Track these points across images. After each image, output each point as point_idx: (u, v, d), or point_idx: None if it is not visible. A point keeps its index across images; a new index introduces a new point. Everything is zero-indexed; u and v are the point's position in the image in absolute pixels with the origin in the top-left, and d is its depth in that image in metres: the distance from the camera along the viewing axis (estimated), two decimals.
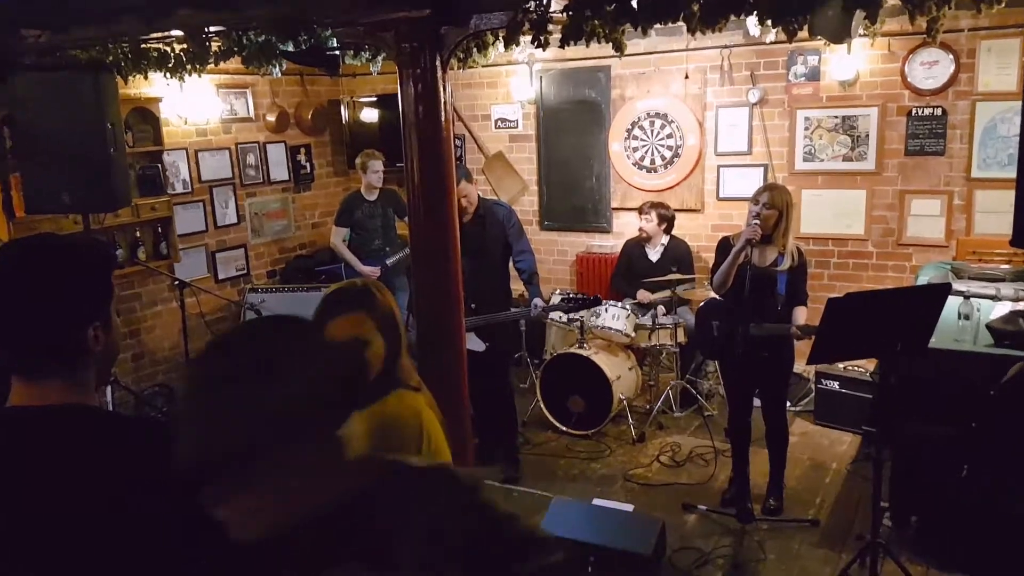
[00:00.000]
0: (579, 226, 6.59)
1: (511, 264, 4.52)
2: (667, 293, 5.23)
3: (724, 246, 3.95)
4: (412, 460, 1.05)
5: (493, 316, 4.33)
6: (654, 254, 5.64)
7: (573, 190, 6.54)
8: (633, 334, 5.17)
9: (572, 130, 6.41)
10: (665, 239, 5.64)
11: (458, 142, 6.94)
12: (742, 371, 3.87)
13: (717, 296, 4.07)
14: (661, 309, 5.44)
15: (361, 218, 5.70)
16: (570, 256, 6.71)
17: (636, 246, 5.72)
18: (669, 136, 5.97)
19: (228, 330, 1.06)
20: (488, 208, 4.41)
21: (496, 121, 6.70)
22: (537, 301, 4.39)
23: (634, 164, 6.18)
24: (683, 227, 6.01)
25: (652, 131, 6.04)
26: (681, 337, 5.14)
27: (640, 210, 5.66)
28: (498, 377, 4.45)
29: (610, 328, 5.15)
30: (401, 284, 5.75)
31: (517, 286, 5.08)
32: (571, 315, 5.22)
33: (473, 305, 4.30)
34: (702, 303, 4.35)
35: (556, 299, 5.29)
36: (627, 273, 5.76)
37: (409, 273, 5.12)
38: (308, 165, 6.96)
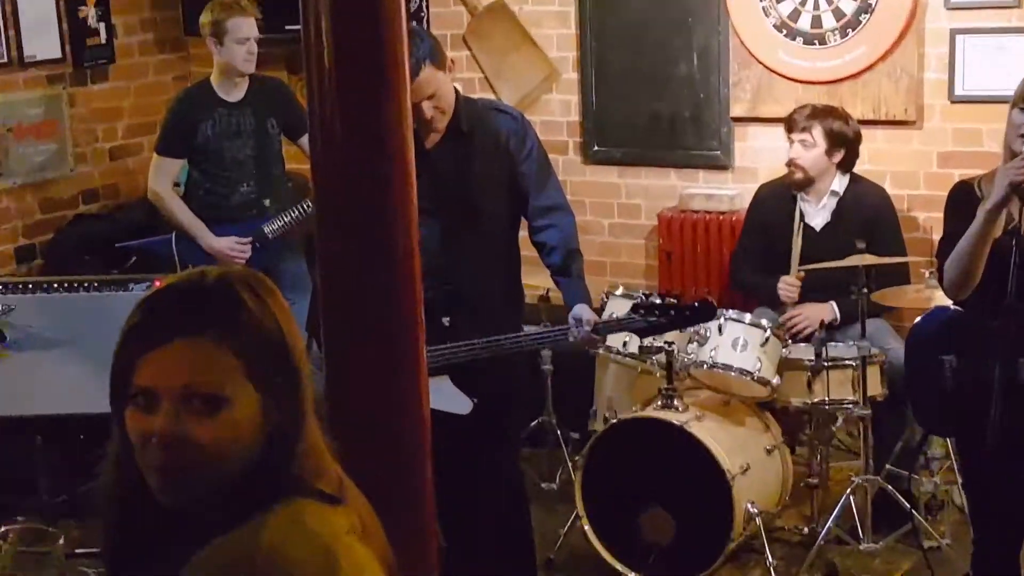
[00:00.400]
0: (663, 155, 6.67)
1: (526, 234, 4.57)
2: (845, 296, 5.26)
3: (963, 200, 4.01)
4: None
5: (488, 344, 4.37)
6: (818, 213, 5.70)
7: (650, 81, 6.60)
8: (775, 379, 5.19)
9: None
10: (841, 182, 5.69)
11: None
12: (1006, 460, 3.87)
13: (951, 304, 4.14)
14: (830, 315, 5.52)
15: (212, 139, 5.79)
16: (644, 218, 6.77)
17: (781, 196, 5.78)
18: None
19: None
20: (477, 118, 4.47)
21: None
22: (582, 312, 4.39)
23: (778, 26, 6.23)
24: (879, 158, 6.05)
25: None
26: (876, 387, 5.21)
27: (790, 122, 5.70)
28: (496, 468, 4.57)
29: (729, 367, 5.17)
30: (294, 275, 5.82)
31: (536, 280, 5.05)
32: (649, 339, 5.17)
33: (446, 320, 4.37)
34: (919, 318, 4.41)
35: (616, 306, 5.25)
36: (763, 252, 5.80)
37: (311, 253, 5.07)
38: (101, 27, 7.02)
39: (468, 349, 4.33)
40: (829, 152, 5.58)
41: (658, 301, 4.34)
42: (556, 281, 4.52)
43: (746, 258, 5.91)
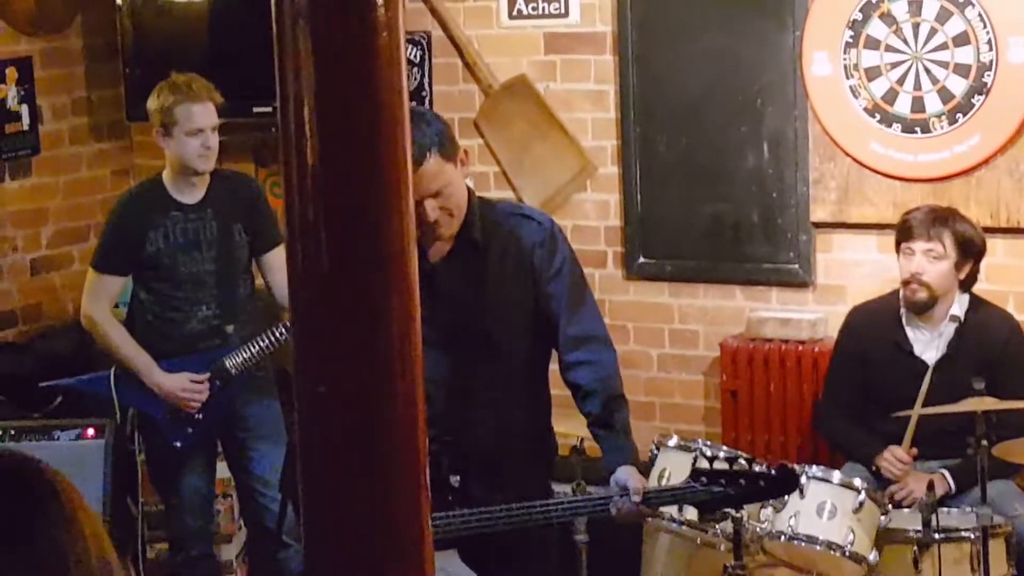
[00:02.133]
0: (726, 270, 6.69)
1: (556, 369, 4.57)
2: (960, 449, 5.20)
3: None
4: None
5: (508, 513, 4.32)
6: (932, 343, 5.69)
7: (709, 177, 6.64)
8: (871, 555, 5.13)
9: (704, 25, 6.55)
10: (961, 305, 5.70)
11: (416, 52, 7.05)
12: None
13: None
14: (942, 488, 5.47)
15: (165, 251, 5.78)
16: (703, 348, 6.77)
17: (883, 322, 5.79)
18: (959, 41, 6.05)
19: None
20: (495, 225, 4.50)
21: (516, 4, 6.84)
22: (627, 477, 4.36)
23: (870, 111, 6.26)
24: (999, 276, 6.05)
25: (914, 30, 6.13)
26: (1001, 565, 5.18)
27: (907, 228, 5.65)
28: None
29: (813, 539, 5.12)
30: (263, 420, 5.83)
31: (567, 426, 5.02)
32: (716, 511, 5.13)
33: (455, 480, 4.34)
34: None
35: (669, 461, 5.20)
36: (859, 394, 5.80)
37: (287, 393, 5.02)
38: (24, 109, 7.08)
39: (482, 518, 4.29)
40: (958, 265, 5.58)
41: (724, 466, 4.29)
42: (594, 434, 4.50)
43: (836, 402, 5.88)
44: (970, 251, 5.59)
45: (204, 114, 5.65)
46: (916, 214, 5.66)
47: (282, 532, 5.25)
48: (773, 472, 4.27)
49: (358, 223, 2.78)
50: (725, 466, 4.27)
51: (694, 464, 4.41)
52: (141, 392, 5.70)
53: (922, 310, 5.63)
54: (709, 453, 4.91)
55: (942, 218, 5.59)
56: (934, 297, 5.59)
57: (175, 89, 5.66)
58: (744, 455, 4.42)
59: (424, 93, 7.04)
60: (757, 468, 4.31)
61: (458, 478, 4.32)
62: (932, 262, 5.54)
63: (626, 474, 4.32)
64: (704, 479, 4.25)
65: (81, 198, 7.30)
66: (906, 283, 5.62)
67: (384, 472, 2.81)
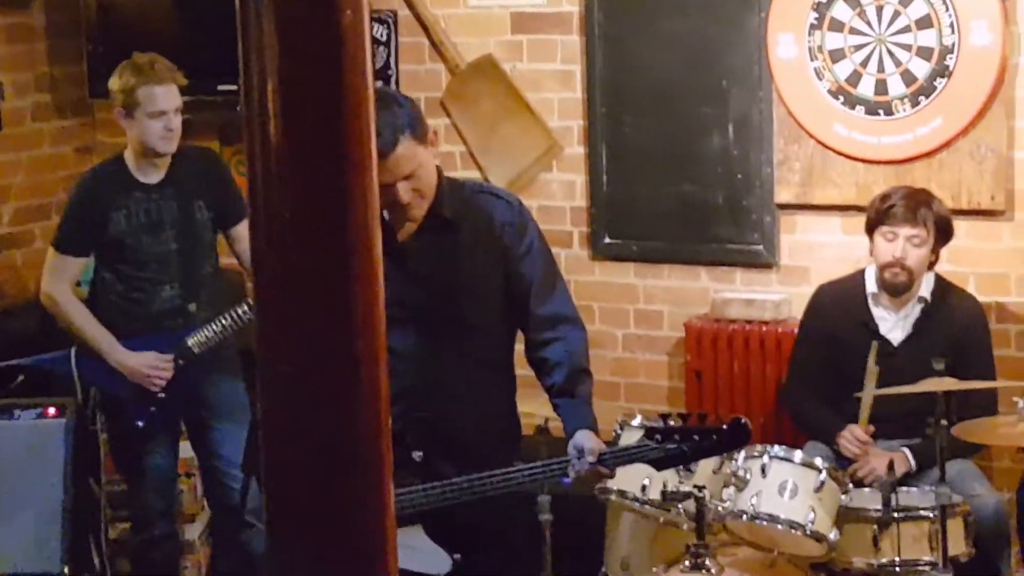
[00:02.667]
0: (691, 250, 6.73)
1: (523, 348, 4.58)
2: (920, 429, 5.23)
3: None
4: None
5: (470, 483, 4.36)
6: (899, 324, 5.76)
7: (674, 158, 6.67)
8: (832, 534, 5.16)
9: (671, 6, 6.58)
10: (928, 285, 5.74)
11: (383, 31, 7.07)
12: None
13: None
14: (903, 467, 5.51)
15: (127, 231, 5.78)
16: (668, 328, 6.80)
17: (850, 302, 5.83)
18: (922, 24, 6.08)
19: None
20: (464, 204, 4.51)
21: None
22: (584, 440, 4.39)
23: (834, 93, 6.29)
24: (961, 257, 6.09)
25: (877, 12, 6.17)
26: (959, 544, 5.19)
27: (888, 213, 5.62)
28: None
29: (775, 518, 5.15)
30: (227, 400, 5.84)
31: (533, 406, 5.07)
32: (675, 484, 5.15)
33: (418, 455, 4.37)
34: None
35: (632, 438, 5.21)
36: (825, 373, 5.84)
37: (250, 372, 5.03)
38: None
39: (445, 491, 4.32)
40: (935, 247, 5.64)
41: (678, 425, 4.33)
42: (555, 405, 4.51)
43: (801, 380, 5.92)
44: (947, 233, 5.64)
45: (167, 96, 5.62)
46: (897, 199, 5.65)
47: (245, 511, 5.25)
48: (725, 426, 4.31)
49: (322, 202, 2.78)
50: (678, 422, 4.32)
51: (648, 428, 4.43)
52: (103, 371, 5.69)
53: (900, 292, 5.66)
54: (667, 423, 4.96)
55: (925, 202, 5.61)
56: (912, 280, 5.62)
57: (137, 70, 5.63)
58: (697, 414, 4.44)
59: (390, 72, 7.03)
60: (710, 425, 4.34)
61: (420, 454, 4.35)
62: (916, 247, 5.57)
63: (584, 437, 4.34)
64: (659, 436, 4.30)
65: (43, 175, 7.27)
66: (887, 266, 5.63)
67: (347, 450, 2.81)
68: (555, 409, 4.53)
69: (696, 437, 4.29)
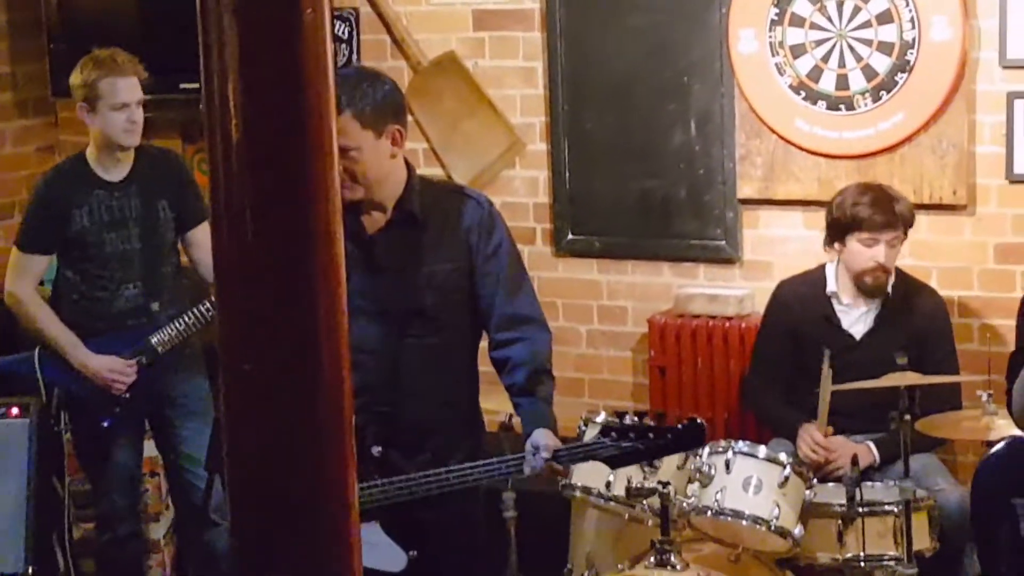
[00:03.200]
0: (654, 246, 6.73)
1: (486, 346, 4.58)
2: (883, 423, 5.25)
3: None
4: None
5: (427, 479, 4.35)
6: (860, 318, 5.77)
7: (637, 153, 6.67)
8: (796, 529, 5.17)
9: (632, 2, 6.58)
10: (888, 279, 5.75)
11: (345, 28, 7.07)
12: None
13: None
14: (867, 459, 5.52)
15: (89, 229, 5.76)
16: (632, 324, 6.81)
17: (811, 298, 5.84)
18: (883, 19, 6.10)
19: None
20: (434, 202, 4.51)
21: None
22: (540, 438, 4.40)
23: (795, 88, 6.30)
24: (923, 252, 6.11)
25: (838, 7, 6.18)
26: (924, 539, 5.20)
27: (865, 219, 5.61)
28: None
29: (739, 514, 5.15)
30: (191, 398, 5.83)
31: (496, 403, 5.08)
32: (639, 480, 5.15)
33: (376, 450, 4.37)
34: (987, 455, 4.52)
35: (594, 430, 5.20)
36: (787, 368, 5.87)
37: (213, 367, 5.02)
38: None
39: (402, 487, 4.32)
40: (902, 244, 5.67)
41: (633, 421, 4.34)
42: (515, 404, 4.51)
43: (763, 375, 5.94)
44: (909, 229, 5.66)
45: (129, 88, 5.61)
46: (867, 203, 5.60)
47: (208, 510, 5.23)
48: (680, 426, 4.31)
49: (283, 200, 2.78)
50: (634, 421, 4.31)
51: (605, 426, 4.43)
52: (66, 371, 5.67)
53: (879, 295, 5.69)
54: (628, 420, 4.97)
55: (894, 202, 5.63)
56: (882, 271, 5.65)
57: (99, 63, 5.62)
58: (655, 415, 4.44)
59: (359, 66, 7.00)
60: (665, 424, 4.34)
61: (379, 449, 4.35)
62: (893, 248, 5.61)
63: (540, 435, 4.35)
64: (614, 434, 4.29)
65: (5, 175, 7.23)
66: (868, 271, 5.63)
67: (310, 448, 2.81)
68: (515, 408, 4.55)
69: (651, 436, 4.29)
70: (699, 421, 4.36)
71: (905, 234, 5.64)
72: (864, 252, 5.62)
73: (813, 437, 5.53)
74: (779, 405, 5.81)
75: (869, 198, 5.63)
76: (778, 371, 5.88)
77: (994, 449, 4.50)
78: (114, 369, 5.66)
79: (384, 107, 4.32)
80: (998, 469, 4.31)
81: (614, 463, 4.43)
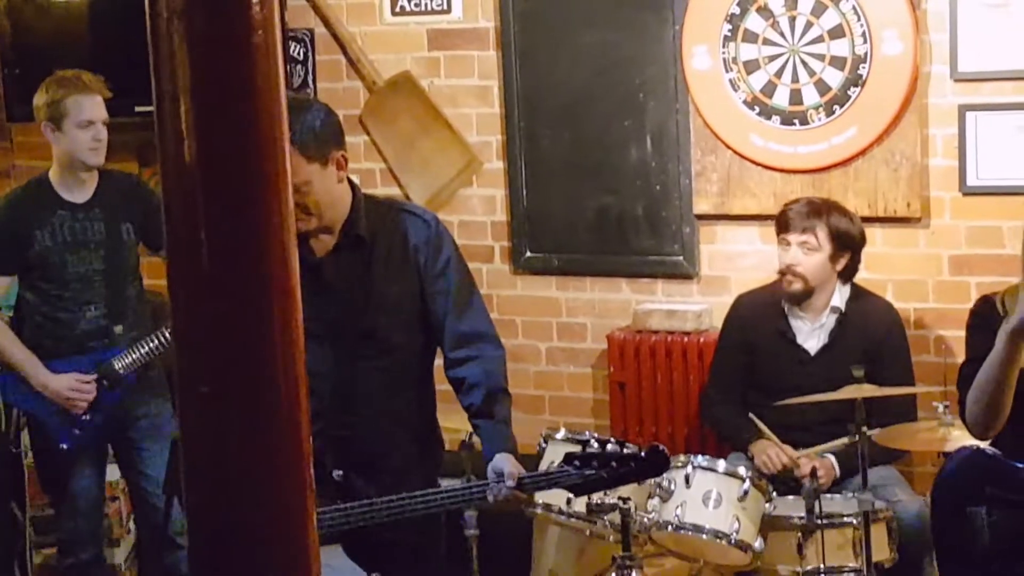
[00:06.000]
0: (611, 262, 6.73)
1: (440, 365, 4.57)
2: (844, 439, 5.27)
3: (984, 318, 4.15)
4: None
5: (390, 504, 4.32)
6: (814, 333, 5.78)
7: (593, 171, 6.68)
8: (757, 542, 5.18)
9: (586, 20, 6.58)
10: (842, 295, 5.78)
11: (300, 49, 7.08)
12: None
13: (980, 443, 4.24)
14: (827, 473, 5.52)
15: (52, 250, 5.74)
16: (591, 340, 6.80)
17: (767, 311, 5.86)
18: (835, 34, 6.12)
19: None
20: (380, 222, 4.50)
21: (399, 0, 6.85)
22: (503, 464, 4.38)
23: (749, 103, 6.32)
24: (877, 264, 6.12)
25: (790, 23, 6.20)
26: (883, 550, 5.23)
27: (785, 221, 5.75)
28: None
29: (700, 528, 5.16)
30: (155, 422, 5.80)
31: (456, 421, 5.07)
32: (599, 495, 5.14)
33: (338, 474, 4.37)
34: (945, 466, 4.48)
35: (556, 453, 5.20)
36: (744, 381, 5.87)
37: (172, 391, 5.00)
38: None
39: (365, 512, 4.30)
40: (834, 257, 5.65)
41: (596, 449, 4.33)
42: (474, 426, 4.53)
43: (720, 388, 5.95)
44: (846, 244, 5.65)
45: (95, 107, 5.61)
46: (794, 206, 5.73)
47: (167, 533, 5.21)
48: (643, 454, 4.31)
49: (237, 222, 2.76)
50: (597, 449, 4.31)
51: (570, 453, 4.43)
52: (27, 393, 5.64)
53: (799, 301, 5.71)
54: (592, 445, 4.98)
55: (817, 211, 5.66)
56: (809, 289, 5.66)
57: (64, 83, 5.62)
58: (616, 440, 4.44)
59: (308, 90, 7.01)
60: (628, 451, 4.34)
61: (341, 472, 4.34)
62: (807, 254, 5.61)
63: (503, 461, 4.34)
64: (577, 462, 4.29)
65: None
66: (782, 274, 5.70)
67: (268, 471, 2.79)
68: (474, 429, 4.56)
69: (614, 464, 4.30)
70: (661, 448, 4.36)
71: (834, 247, 5.65)
72: (781, 255, 5.70)
73: (765, 446, 5.54)
74: (735, 418, 5.80)
75: (799, 204, 5.73)
76: (734, 384, 5.90)
77: (951, 458, 4.51)
78: (73, 387, 5.63)
79: (326, 135, 4.29)
80: (956, 479, 4.32)
81: (578, 491, 4.44)
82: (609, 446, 4.33)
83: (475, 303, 4.54)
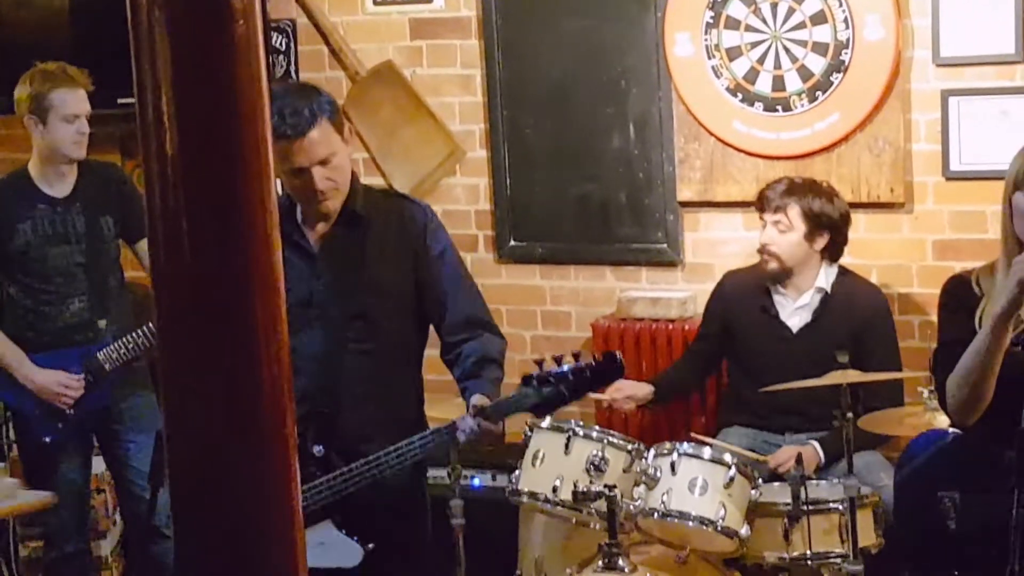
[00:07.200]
0: (595, 250, 6.74)
1: (430, 355, 4.63)
2: (827, 421, 5.24)
3: (959, 297, 4.13)
4: None
5: (366, 467, 4.36)
6: (796, 312, 5.80)
7: (576, 159, 6.69)
8: (743, 529, 5.17)
9: (568, 7, 6.59)
10: (827, 276, 5.79)
11: (282, 40, 7.10)
12: None
13: (955, 426, 4.23)
14: (810, 460, 5.53)
15: (33, 244, 5.73)
16: (575, 328, 6.82)
17: (751, 289, 5.88)
18: (817, 20, 6.12)
19: None
20: (376, 203, 4.53)
21: None
22: (474, 400, 4.43)
23: (732, 90, 6.32)
24: (862, 249, 6.14)
25: (772, 9, 6.21)
26: (870, 535, 5.23)
27: (762, 200, 5.79)
28: None
29: (685, 515, 5.14)
30: (140, 413, 5.80)
31: (442, 411, 5.06)
32: (585, 483, 5.13)
33: (319, 448, 4.37)
34: (907, 449, 4.55)
35: (543, 441, 5.22)
36: (703, 355, 5.99)
37: (156, 383, 4.99)
38: None
39: (345, 479, 4.34)
40: (809, 237, 5.66)
41: (552, 366, 4.35)
42: (462, 389, 4.54)
43: (684, 358, 6.05)
44: (821, 224, 5.66)
45: (79, 100, 5.63)
46: (771, 186, 5.77)
47: (152, 523, 5.21)
48: (595, 362, 4.35)
49: (219, 212, 2.75)
50: (553, 365, 4.33)
51: (567, 442, 4.43)
52: (11, 386, 5.64)
53: (777, 280, 5.74)
54: (582, 433, 4.97)
55: (791, 191, 5.69)
56: (786, 268, 5.69)
57: (48, 76, 5.62)
58: (572, 353, 4.45)
59: (291, 81, 7.00)
60: (582, 362, 4.35)
61: (320, 448, 4.36)
62: (780, 233, 5.65)
63: (474, 398, 4.41)
64: (535, 383, 4.32)
65: None
66: (760, 252, 5.74)
67: (251, 460, 2.78)
68: (462, 393, 4.57)
69: (570, 377, 4.32)
70: (615, 354, 4.42)
71: (808, 228, 5.66)
72: (760, 234, 5.75)
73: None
74: (673, 368, 6.01)
75: (778, 184, 5.77)
76: (698, 352, 6.03)
77: (916, 443, 4.52)
78: (61, 383, 5.63)
79: (339, 110, 4.39)
80: (916, 460, 4.32)
81: (540, 411, 4.48)
82: (563, 362, 4.35)
83: (474, 291, 4.60)
